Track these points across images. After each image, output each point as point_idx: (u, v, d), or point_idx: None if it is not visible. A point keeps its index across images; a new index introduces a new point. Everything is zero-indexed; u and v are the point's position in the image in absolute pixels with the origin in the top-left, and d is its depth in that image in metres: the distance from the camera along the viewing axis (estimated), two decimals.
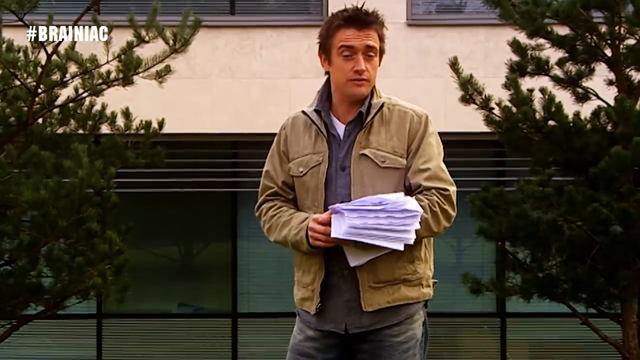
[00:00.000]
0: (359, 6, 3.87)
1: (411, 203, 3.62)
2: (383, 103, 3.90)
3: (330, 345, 3.95)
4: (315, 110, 3.94)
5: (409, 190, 3.81)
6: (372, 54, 3.84)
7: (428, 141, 3.88)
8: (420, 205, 3.67)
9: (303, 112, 4.00)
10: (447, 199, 3.81)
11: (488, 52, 11.60)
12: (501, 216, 8.81)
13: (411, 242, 3.61)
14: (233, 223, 12.26)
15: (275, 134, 4.11)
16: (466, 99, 8.87)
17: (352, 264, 3.76)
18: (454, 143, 11.15)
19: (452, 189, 3.86)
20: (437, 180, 3.82)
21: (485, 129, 9.07)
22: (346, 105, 3.92)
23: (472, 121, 9.44)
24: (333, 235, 3.63)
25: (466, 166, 11.42)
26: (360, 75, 3.82)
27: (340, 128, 3.93)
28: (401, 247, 3.61)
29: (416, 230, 3.64)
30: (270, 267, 12.22)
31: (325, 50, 3.92)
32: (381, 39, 3.88)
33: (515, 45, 8.91)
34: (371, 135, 3.86)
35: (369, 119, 3.87)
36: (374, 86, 3.93)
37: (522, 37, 8.90)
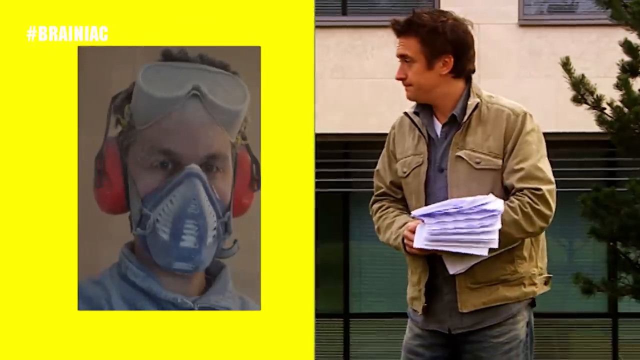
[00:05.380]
0: (410, 15, 3.90)
1: (492, 203, 3.57)
2: (479, 102, 3.85)
3: (436, 344, 3.96)
4: (415, 112, 3.94)
5: (506, 192, 3.75)
6: (407, 60, 3.83)
7: (525, 139, 3.79)
8: (511, 207, 3.63)
9: (405, 113, 4.01)
10: (539, 198, 3.72)
11: (599, 53, 11.53)
12: (613, 216, 8.76)
13: (494, 244, 3.56)
14: (345, 223, 12.35)
15: (379, 135, 4.20)
16: (578, 99, 8.84)
17: (451, 272, 3.76)
18: (565, 143, 11.19)
19: (546, 187, 3.74)
20: (530, 179, 3.74)
21: (597, 129, 9.02)
22: (436, 107, 3.92)
23: (583, 121, 9.41)
24: (415, 245, 3.65)
25: (577, 166, 11.40)
26: (401, 81, 3.88)
27: (438, 128, 3.92)
28: (485, 253, 3.58)
29: (508, 232, 3.62)
30: (382, 267, 12.26)
31: None
32: (424, 42, 3.81)
33: (627, 46, 8.86)
34: (468, 136, 3.82)
35: (465, 118, 3.83)
36: (471, 86, 3.89)
37: (634, 38, 8.86)
